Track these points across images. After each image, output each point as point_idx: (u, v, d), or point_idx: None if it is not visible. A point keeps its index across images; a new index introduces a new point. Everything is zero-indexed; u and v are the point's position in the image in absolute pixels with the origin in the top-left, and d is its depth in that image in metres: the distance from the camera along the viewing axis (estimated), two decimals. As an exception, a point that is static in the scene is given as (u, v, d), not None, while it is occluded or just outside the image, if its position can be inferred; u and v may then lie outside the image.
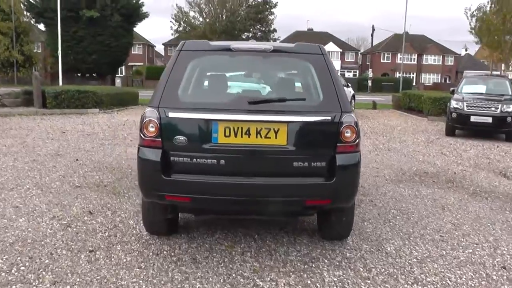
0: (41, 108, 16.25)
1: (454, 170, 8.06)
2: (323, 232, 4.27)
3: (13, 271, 3.46)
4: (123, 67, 52.42)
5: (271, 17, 46.38)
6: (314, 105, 3.63)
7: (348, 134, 3.54)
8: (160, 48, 76.65)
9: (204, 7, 45.39)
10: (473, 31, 26.23)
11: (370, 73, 49.35)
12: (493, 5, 24.54)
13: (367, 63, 66.46)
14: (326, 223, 4.11)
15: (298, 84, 3.95)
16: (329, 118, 3.51)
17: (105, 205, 5.19)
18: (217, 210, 3.83)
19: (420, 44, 68.02)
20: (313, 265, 3.72)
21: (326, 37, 67.37)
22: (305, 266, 3.69)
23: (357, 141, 3.60)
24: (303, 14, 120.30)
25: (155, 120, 3.48)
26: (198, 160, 3.46)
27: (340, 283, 3.43)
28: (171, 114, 3.47)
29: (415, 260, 3.97)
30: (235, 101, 3.66)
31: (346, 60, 67.86)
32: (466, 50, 72.36)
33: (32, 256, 3.72)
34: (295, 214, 3.98)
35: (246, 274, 3.49)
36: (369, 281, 3.49)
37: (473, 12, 25.53)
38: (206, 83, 4.05)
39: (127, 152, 8.66)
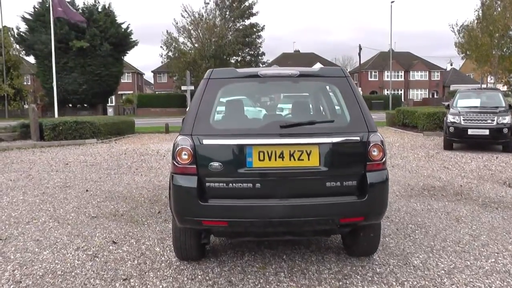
0: (38, 140, 16.23)
1: (460, 183, 8.20)
2: (350, 249, 4.34)
3: (51, 303, 3.48)
4: (113, 96, 52.52)
5: (259, 41, 47.00)
6: (342, 126, 3.76)
7: (375, 153, 3.66)
8: (148, 76, 77.17)
9: (193, 32, 45.89)
10: (460, 46, 26.77)
11: (360, 92, 49.97)
12: (479, 22, 25.12)
13: (355, 82, 67.23)
14: (355, 240, 4.18)
15: (325, 107, 4.07)
16: (358, 138, 3.65)
17: (127, 234, 5.21)
18: (254, 233, 3.89)
19: (406, 61, 69.20)
20: (348, 282, 3.79)
21: (313, 58, 68.33)
22: (340, 283, 3.75)
23: (384, 159, 3.73)
24: (288, 36, 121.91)
25: (189, 148, 3.56)
26: (233, 184, 3.54)
27: (377, 298, 3.50)
28: (206, 141, 3.56)
29: (443, 271, 4.05)
30: (267, 126, 3.77)
31: (333, 79, 68.42)
32: (451, 65, 73.75)
33: (67, 288, 3.74)
34: (329, 232, 4.05)
35: (285, 294, 3.54)
36: (404, 295, 3.56)
37: (460, 28, 26.12)
38: (236, 109, 4.15)
39: (135, 181, 8.69)
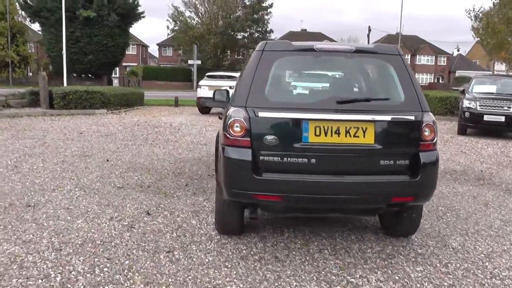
0: (48, 108, 16.10)
1: (480, 168, 8.19)
2: (390, 229, 4.33)
3: (96, 272, 3.44)
4: (117, 68, 52.07)
5: (267, 17, 46.38)
6: (396, 104, 3.69)
7: (427, 133, 3.63)
8: (153, 49, 76.54)
9: (199, 7, 45.34)
10: (476, 32, 26.43)
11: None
12: (496, 9, 24.79)
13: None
14: (397, 220, 4.16)
15: (380, 84, 4.00)
16: (413, 117, 3.60)
17: (159, 206, 5.17)
18: (303, 209, 3.86)
19: (413, 45, 68.50)
20: (392, 261, 3.78)
21: (319, 38, 67.50)
22: (385, 263, 3.74)
23: (435, 139, 3.69)
24: (295, 15, 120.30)
25: (242, 120, 3.49)
26: (288, 159, 3.48)
27: (426, 278, 3.49)
28: (262, 114, 3.49)
29: (482, 255, 4.05)
30: (323, 101, 3.69)
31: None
32: (458, 51, 73.18)
33: (110, 257, 3.70)
34: (376, 211, 4.02)
35: (334, 271, 3.53)
36: (451, 276, 3.56)
37: (477, 13, 25.73)
38: (291, 82, 4.07)
39: (154, 153, 8.65)
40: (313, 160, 3.48)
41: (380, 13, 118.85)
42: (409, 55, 67.38)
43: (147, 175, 6.78)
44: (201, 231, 4.36)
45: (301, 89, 4.05)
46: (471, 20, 26.11)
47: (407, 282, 3.41)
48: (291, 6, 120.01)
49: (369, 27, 53.03)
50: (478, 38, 27.07)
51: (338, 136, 3.48)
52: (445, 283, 3.44)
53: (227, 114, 3.64)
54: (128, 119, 14.79)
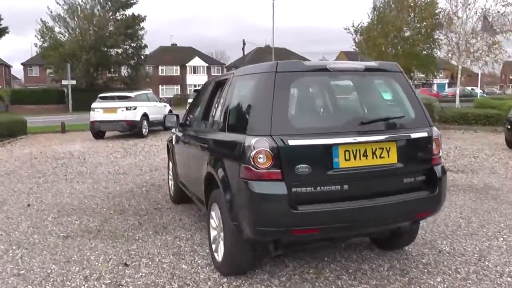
0: None
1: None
2: (387, 244, 4.36)
3: None
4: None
5: (141, 32, 44.88)
6: (410, 121, 3.73)
7: (435, 147, 3.72)
8: (16, 69, 70.03)
9: (69, 21, 42.38)
10: (358, 45, 28.44)
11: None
12: (374, 25, 27.00)
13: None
14: (396, 234, 4.18)
15: (391, 102, 4.01)
16: (426, 133, 3.67)
17: (129, 253, 4.57)
18: (339, 237, 3.72)
19: (282, 57, 71.37)
20: (412, 276, 3.81)
21: (191, 52, 68.10)
22: (407, 279, 3.75)
23: (441, 153, 3.79)
24: (164, 29, 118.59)
25: (268, 150, 3.21)
26: (322, 188, 3.29)
27: (454, 288, 3.55)
28: (292, 142, 3.24)
29: (476, 255, 4.28)
30: (347, 123, 3.56)
31: (212, 74, 66.27)
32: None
33: (116, 327, 3.17)
34: (399, 229, 4.00)
35: (370, 298, 3.42)
36: (470, 282, 3.69)
37: (357, 28, 27.73)
38: (310, 105, 3.86)
39: (77, 190, 7.77)
40: (345, 186, 3.36)
41: (247, 26, 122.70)
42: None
43: (88, 217, 6.02)
44: (201, 276, 3.93)
45: (322, 112, 3.91)
46: (352, 34, 28.12)
47: (441, 297, 3.44)
48: (160, 20, 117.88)
49: (244, 40, 54.78)
50: (360, 51, 29.19)
51: (366, 158, 3.41)
52: (473, 290, 3.54)
53: (245, 144, 3.32)
54: (19, 152, 13.21)
